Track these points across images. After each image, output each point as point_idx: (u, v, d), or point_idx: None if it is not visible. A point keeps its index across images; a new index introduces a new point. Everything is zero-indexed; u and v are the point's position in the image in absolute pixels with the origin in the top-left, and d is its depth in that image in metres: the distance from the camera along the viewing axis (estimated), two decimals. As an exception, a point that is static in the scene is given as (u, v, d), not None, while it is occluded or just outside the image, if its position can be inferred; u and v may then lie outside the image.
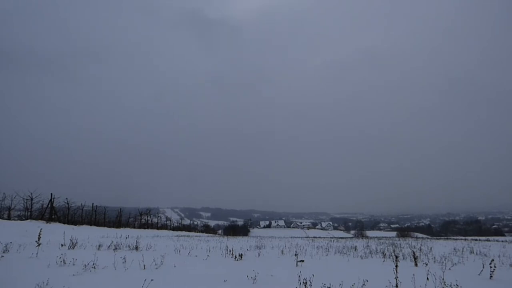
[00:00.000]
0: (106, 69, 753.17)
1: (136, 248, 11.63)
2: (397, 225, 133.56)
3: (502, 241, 24.04)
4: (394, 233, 76.65)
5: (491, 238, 32.83)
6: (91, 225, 32.84)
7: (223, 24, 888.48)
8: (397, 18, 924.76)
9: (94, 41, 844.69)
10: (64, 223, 28.39)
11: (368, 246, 16.30)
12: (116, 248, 11.35)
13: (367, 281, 5.67)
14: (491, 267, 7.21)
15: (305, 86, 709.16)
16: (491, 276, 7.16)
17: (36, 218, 27.41)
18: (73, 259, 7.74)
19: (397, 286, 5.38)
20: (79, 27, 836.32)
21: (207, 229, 75.30)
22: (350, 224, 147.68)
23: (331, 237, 33.75)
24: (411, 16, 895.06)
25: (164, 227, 54.48)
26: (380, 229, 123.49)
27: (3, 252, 8.94)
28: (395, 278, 5.47)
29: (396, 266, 5.67)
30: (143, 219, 46.37)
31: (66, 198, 31.73)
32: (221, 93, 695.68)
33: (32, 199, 28.70)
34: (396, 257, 6.06)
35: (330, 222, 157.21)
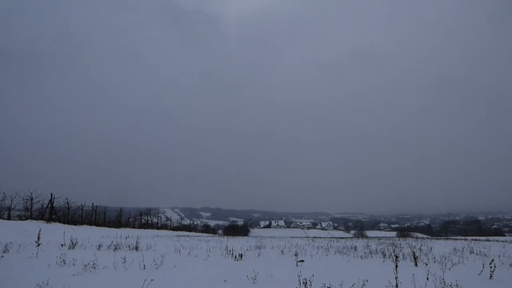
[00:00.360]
0: (106, 69, 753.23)
1: (136, 248, 11.63)
2: (397, 225, 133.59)
3: (502, 241, 24.05)
4: (394, 233, 76.68)
5: (491, 238, 32.84)
6: (91, 225, 32.84)
7: (222, 23, 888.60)
8: (397, 18, 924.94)
9: (94, 41, 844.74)
10: (64, 223, 28.39)
11: (368, 246, 16.30)
12: (116, 248, 11.35)
13: (367, 281, 5.67)
14: (491, 267, 7.21)
15: (305, 86, 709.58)
16: (491, 276, 7.16)
17: (36, 218, 27.41)
18: (73, 259, 7.74)
19: (397, 286, 5.38)
20: (79, 27, 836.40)
21: (207, 229, 75.33)
22: (350, 224, 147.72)
23: (331, 237, 33.76)
24: (411, 16, 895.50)
25: (164, 227, 54.50)
26: (380, 229, 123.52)
27: (3, 252, 8.94)
28: (395, 278, 5.47)
29: (396, 266, 5.67)
30: (143, 219, 46.38)
31: (66, 198, 31.77)
32: (221, 93, 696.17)
33: (32, 199, 28.71)
34: (396, 257, 6.06)
35: (330, 222, 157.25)
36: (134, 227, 41.62)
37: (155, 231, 37.60)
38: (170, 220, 68.28)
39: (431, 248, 15.06)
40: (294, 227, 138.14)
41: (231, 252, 11.16)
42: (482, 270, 7.65)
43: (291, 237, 31.42)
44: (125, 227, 39.10)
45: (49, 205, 29.12)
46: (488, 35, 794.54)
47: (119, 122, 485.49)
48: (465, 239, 26.75)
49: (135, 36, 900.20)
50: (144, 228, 42.20)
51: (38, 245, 8.79)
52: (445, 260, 10.40)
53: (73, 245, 11.18)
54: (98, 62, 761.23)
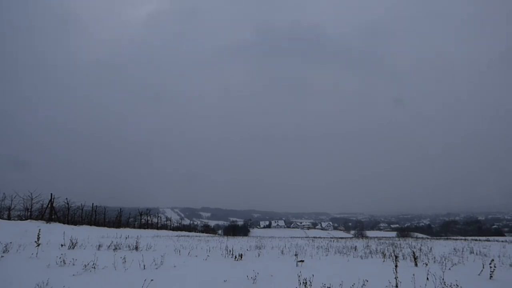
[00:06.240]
0: (105, 68, 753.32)
1: (136, 248, 11.63)
2: (397, 225, 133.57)
3: (502, 241, 24.04)
4: (394, 233, 76.73)
5: (491, 238, 32.81)
6: (91, 225, 32.85)
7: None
8: (400, 19, 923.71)
9: (93, 42, 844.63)
10: (64, 223, 28.39)
11: (368, 246, 16.29)
12: (116, 248, 11.35)
13: (367, 281, 5.67)
14: (491, 267, 7.21)
15: (306, 86, 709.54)
16: (491, 276, 7.17)
17: (36, 218, 27.41)
18: (73, 259, 7.74)
19: (397, 286, 5.38)
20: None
21: (207, 229, 75.38)
22: (350, 224, 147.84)
23: (331, 237, 33.75)
24: (411, 17, 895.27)
25: (164, 227, 54.53)
26: (380, 229, 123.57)
27: (3, 252, 8.93)
28: (395, 278, 5.47)
29: (396, 266, 5.67)
30: (143, 219, 46.40)
31: (66, 198, 31.74)
32: (220, 92, 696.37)
33: (32, 199, 28.71)
34: (396, 257, 6.06)
35: (330, 222, 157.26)
36: (134, 227, 41.62)
37: (155, 231, 37.61)
38: (170, 220, 68.23)
39: (431, 248, 15.06)
40: (294, 227, 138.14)
41: (231, 252, 11.15)
42: (482, 270, 7.65)
43: (291, 237, 31.41)
44: (125, 227, 39.09)
45: (49, 205, 29.11)
46: (490, 34, 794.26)
47: (119, 122, 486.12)
48: (465, 239, 26.73)
49: (137, 37, 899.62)
50: (144, 228, 42.21)
51: (38, 245, 8.78)
52: (445, 260, 10.40)
53: (73, 245, 11.18)
54: (97, 60, 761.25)
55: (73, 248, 11.05)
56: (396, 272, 5.56)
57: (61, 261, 7.42)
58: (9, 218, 26.60)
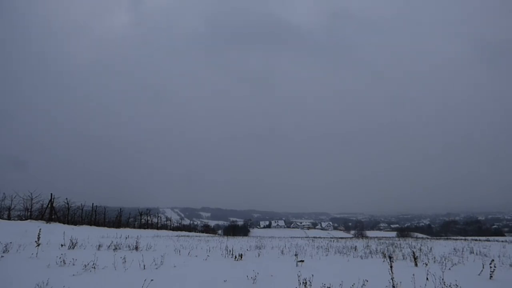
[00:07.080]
0: (105, 68, 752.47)
1: (136, 248, 11.63)
2: (397, 225, 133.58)
3: (502, 241, 24.02)
4: (394, 233, 76.74)
5: (491, 238, 32.78)
6: (91, 225, 32.85)
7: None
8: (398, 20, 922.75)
9: (94, 42, 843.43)
10: (64, 223, 28.39)
11: (368, 246, 16.29)
12: (116, 248, 11.35)
13: (367, 281, 5.67)
14: (491, 267, 7.21)
15: (305, 86, 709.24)
16: (491, 276, 7.17)
17: (36, 218, 27.41)
18: (73, 259, 7.74)
19: (393, 286, 5.40)
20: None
21: (207, 229, 75.42)
22: (350, 224, 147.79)
23: (331, 237, 33.74)
24: (411, 17, 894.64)
25: (164, 227, 54.54)
26: (380, 229, 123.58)
27: (3, 252, 8.93)
28: (391, 279, 5.49)
29: (391, 266, 5.69)
30: (143, 219, 46.40)
31: (66, 198, 31.73)
32: (220, 92, 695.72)
33: (32, 199, 28.70)
34: (390, 257, 6.11)
35: (330, 222, 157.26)
36: (134, 227, 41.63)
37: (155, 231, 37.61)
38: (170, 220, 68.24)
39: (431, 248, 15.05)
40: (294, 227, 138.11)
41: (231, 252, 11.16)
42: (482, 270, 7.65)
43: (291, 237, 31.40)
44: (125, 227, 39.09)
45: (49, 205, 29.11)
46: (490, 29, 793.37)
47: (119, 122, 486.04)
48: (465, 239, 26.71)
49: (137, 38, 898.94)
50: (144, 228, 42.21)
51: (38, 245, 8.78)
52: (445, 260, 10.40)
53: (73, 245, 11.18)
54: (97, 60, 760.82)
55: (73, 248, 11.05)
56: (392, 272, 5.58)
57: (61, 261, 7.42)
58: (9, 218, 26.60)
